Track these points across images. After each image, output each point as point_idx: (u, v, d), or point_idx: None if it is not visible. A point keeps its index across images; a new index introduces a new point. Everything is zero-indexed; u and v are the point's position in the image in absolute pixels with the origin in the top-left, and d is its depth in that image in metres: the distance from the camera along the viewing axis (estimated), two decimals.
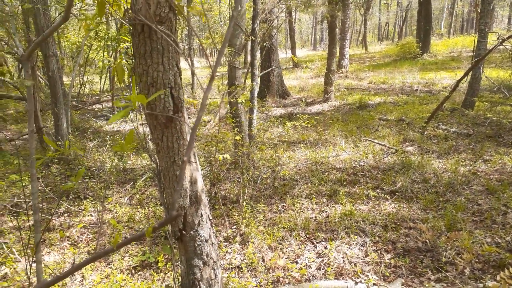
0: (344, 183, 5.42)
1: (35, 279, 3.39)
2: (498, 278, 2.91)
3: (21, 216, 4.81)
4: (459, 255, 3.38)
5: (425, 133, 7.32)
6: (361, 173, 5.72)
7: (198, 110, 10.70)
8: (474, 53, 9.15)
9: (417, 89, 11.76)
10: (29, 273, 2.65)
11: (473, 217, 4.15)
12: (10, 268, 3.79)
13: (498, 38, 6.63)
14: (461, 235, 3.66)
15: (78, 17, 6.89)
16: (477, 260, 3.34)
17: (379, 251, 3.68)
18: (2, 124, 10.39)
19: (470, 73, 8.22)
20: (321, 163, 6.27)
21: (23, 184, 5.24)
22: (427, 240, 3.76)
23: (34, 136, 1.99)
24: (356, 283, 3.12)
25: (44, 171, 6.18)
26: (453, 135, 7.03)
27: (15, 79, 11.74)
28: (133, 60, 2.56)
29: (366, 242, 3.83)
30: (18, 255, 3.86)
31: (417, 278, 3.25)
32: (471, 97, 8.53)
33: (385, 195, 4.89)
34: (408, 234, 3.95)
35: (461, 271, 3.20)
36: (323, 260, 3.59)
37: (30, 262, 2.78)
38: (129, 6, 2.49)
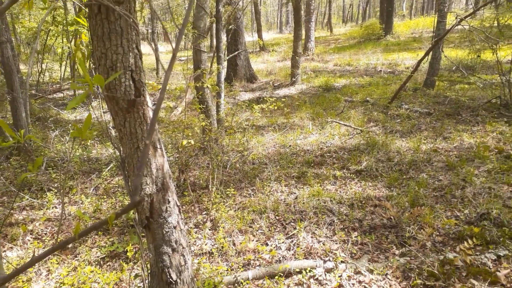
0: (312, 164, 5.50)
1: None
2: (457, 249, 3.06)
3: None
4: (421, 230, 3.53)
5: (388, 113, 7.51)
6: (328, 154, 5.82)
7: (167, 96, 10.56)
8: (434, 34, 9.40)
9: (380, 70, 12.01)
10: None
11: (434, 192, 4.32)
12: None
13: (456, 18, 6.83)
14: (423, 211, 3.81)
15: None
16: (438, 233, 3.50)
17: (346, 230, 3.78)
18: None
19: (431, 53, 8.47)
20: (289, 146, 6.32)
21: None
22: (392, 217, 3.89)
23: None
24: (324, 261, 3.19)
25: (3, 164, 5.90)
26: (415, 114, 7.25)
27: None
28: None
29: (333, 221, 3.92)
30: None
31: (382, 253, 3.37)
32: (431, 77, 8.82)
33: (351, 175, 5.01)
34: (373, 212, 4.07)
35: (423, 245, 3.34)
36: (292, 241, 3.65)
37: None
38: None
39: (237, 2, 11.09)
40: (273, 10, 57.83)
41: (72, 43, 12.45)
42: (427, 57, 8.41)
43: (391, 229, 3.72)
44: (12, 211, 4.56)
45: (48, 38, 12.69)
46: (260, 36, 22.72)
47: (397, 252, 3.35)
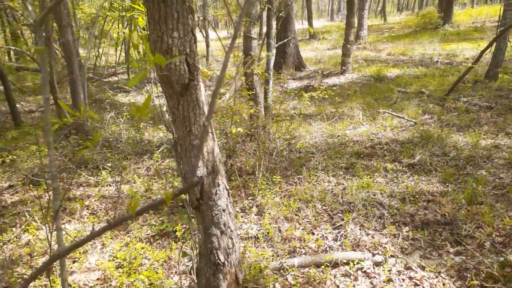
0: (361, 156, 5.34)
1: (56, 246, 3.48)
2: None
3: (41, 186, 4.92)
4: (479, 229, 3.33)
5: (445, 106, 7.12)
6: (379, 146, 5.63)
7: (213, 82, 10.56)
8: (499, 23, 8.73)
9: (437, 61, 11.39)
10: (50, 240, 2.71)
11: (495, 190, 4.06)
12: (33, 235, 3.91)
13: None
14: (482, 209, 3.59)
15: None
16: (498, 233, 3.28)
17: (396, 224, 3.65)
18: (20, 96, 10.52)
19: (495, 43, 7.88)
20: (338, 136, 6.18)
21: (42, 155, 5.33)
22: (446, 213, 3.71)
23: (51, 107, 1.98)
24: (373, 254, 3.11)
25: (62, 142, 6.27)
26: (474, 107, 6.82)
27: (30, 49, 11.79)
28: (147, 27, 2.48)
29: (383, 215, 3.80)
30: (40, 223, 3.97)
31: (435, 250, 3.22)
32: (494, 69, 8.22)
33: (403, 168, 4.81)
34: (426, 207, 3.89)
35: (481, 245, 3.15)
36: (339, 232, 3.58)
37: (51, 230, 2.85)
38: None
39: None
40: None
41: (127, 29, 12.91)
42: (490, 47, 7.84)
43: (445, 226, 3.54)
44: (70, 186, 4.85)
45: (105, 23, 13.23)
46: (310, 24, 22.29)
47: (451, 250, 3.19)
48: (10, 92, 7.48)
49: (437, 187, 4.30)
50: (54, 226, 2.35)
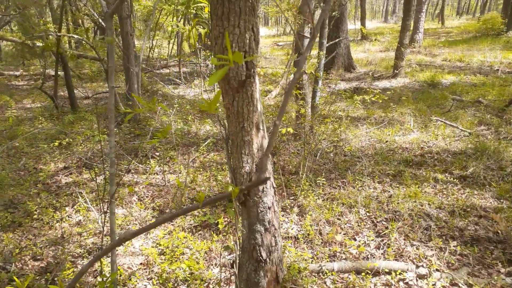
0: (410, 164, 5.17)
1: (106, 228, 3.66)
2: None
3: (94, 169, 5.18)
4: None
5: (504, 117, 6.71)
6: (429, 155, 5.41)
7: (263, 79, 10.57)
8: None
9: (498, 69, 10.74)
10: (102, 222, 2.86)
11: None
12: (84, 216, 4.13)
13: None
14: None
15: None
16: None
17: (444, 237, 3.50)
18: (78, 82, 11.12)
19: None
20: (386, 141, 6.01)
21: (98, 139, 5.61)
22: (500, 231, 3.51)
23: (114, 92, 2.08)
24: (417, 266, 3.00)
25: (115, 129, 6.56)
26: None
27: (91, 40, 12.41)
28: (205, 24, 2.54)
29: (430, 227, 3.66)
30: (91, 205, 4.18)
31: (485, 269, 3.06)
32: None
33: (454, 180, 4.60)
34: (477, 223, 3.70)
35: None
36: (383, 240, 3.49)
37: (102, 212, 2.99)
38: None
39: None
40: None
41: (181, 22, 13.23)
42: None
43: (497, 244, 3.35)
44: (120, 172, 5.07)
45: (160, 16, 13.63)
46: (363, 24, 21.78)
47: (502, 270, 3.01)
48: (69, 78, 7.93)
49: (491, 202, 4.07)
50: (107, 209, 2.47)
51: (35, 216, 4.08)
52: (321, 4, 6.16)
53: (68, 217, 4.14)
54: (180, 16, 13.28)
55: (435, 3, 41.26)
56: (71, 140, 6.09)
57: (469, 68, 11.54)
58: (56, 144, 5.51)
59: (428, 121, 6.80)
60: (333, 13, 9.51)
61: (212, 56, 2.80)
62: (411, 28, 14.84)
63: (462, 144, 5.67)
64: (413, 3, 11.43)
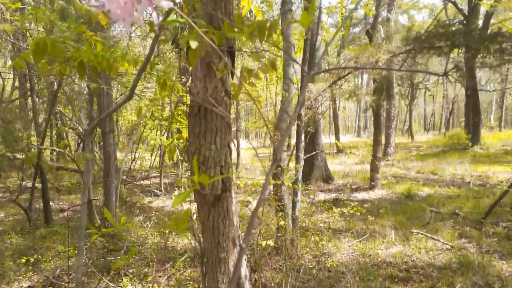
0: (396, 280, 4.96)
1: None
2: None
3: None
4: None
5: (483, 230, 6.75)
6: (414, 270, 5.24)
7: (243, 190, 10.61)
8: None
9: (469, 182, 11.17)
10: None
11: None
12: None
13: None
14: None
15: (140, 96, 7.45)
16: None
17: None
18: (56, 194, 10.90)
19: None
20: (370, 255, 5.85)
21: (67, 256, 5.27)
22: None
23: (86, 208, 2.02)
24: None
25: (88, 244, 6.24)
26: None
27: (73, 152, 12.55)
28: (184, 140, 2.62)
29: None
30: None
31: None
32: None
33: None
34: None
35: None
36: None
37: None
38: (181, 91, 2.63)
39: (317, 107, 11.59)
40: (351, 116, 59.34)
41: (164, 136, 13.72)
42: None
43: None
44: None
45: (144, 130, 14.17)
46: (337, 139, 23.05)
47: None
48: (47, 190, 7.80)
49: None
50: None
51: None
52: (296, 122, 6.56)
53: None
54: (164, 131, 13.83)
55: (403, 120, 44.64)
56: (39, 256, 5.71)
57: (443, 180, 11.98)
58: (23, 261, 5.14)
59: (409, 233, 6.76)
60: (309, 129, 10.10)
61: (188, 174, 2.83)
62: (383, 143, 15.75)
63: (446, 258, 5.56)
64: (382, 120, 12.32)
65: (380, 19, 11.85)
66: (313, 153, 11.97)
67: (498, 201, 7.22)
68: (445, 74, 1.12)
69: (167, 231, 6.97)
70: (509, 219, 7.27)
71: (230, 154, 2.35)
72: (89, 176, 1.89)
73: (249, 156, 22.85)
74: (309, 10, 1.10)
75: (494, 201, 7.29)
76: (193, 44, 1.33)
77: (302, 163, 6.99)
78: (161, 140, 12.31)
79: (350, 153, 20.60)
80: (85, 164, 2.11)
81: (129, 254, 1.18)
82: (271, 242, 4.21)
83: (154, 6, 0.67)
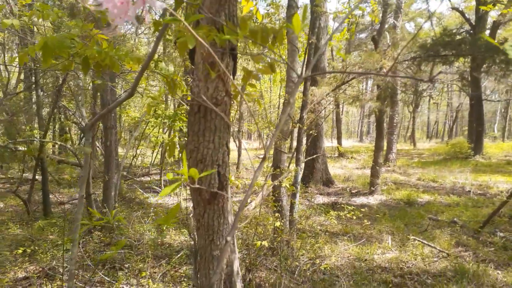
0: (390, 285, 4.97)
1: None
2: None
3: (56, 281, 4.80)
4: None
5: (480, 239, 6.75)
6: (409, 276, 5.25)
7: (242, 190, 10.66)
8: None
9: (469, 191, 11.17)
10: None
11: None
12: None
13: None
14: None
15: (143, 94, 7.50)
16: None
17: None
18: (56, 187, 10.96)
19: None
20: (365, 259, 5.87)
21: (64, 248, 5.32)
22: None
23: (83, 202, 2.05)
24: None
25: (86, 237, 6.28)
26: None
27: (75, 146, 12.63)
28: (186, 138, 2.65)
29: None
30: None
31: None
32: None
33: None
34: None
35: None
36: None
37: None
38: (185, 90, 2.67)
39: (320, 111, 11.62)
40: (354, 120, 59.28)
41: (166, 134, 13.77)
42: None
43: None
44: (81, 285, 4.70)
45: (147, 127, 14.22)
46: (339, 143, 23.07)
47: None
48: (46, 183, 7.84)
49: None
50: None
51: None
52: (298, 125, 6.59)
53: None
54: (166, 128, 13.88)
55: (406, 127, 44.58)
56: (36, 247, 5.76)
57: (443, 188, 11.98)
58: (20, 251, 5.18)
59: (406, 239, 6.77)
60: (310, 132, 10.12)
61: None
62: (385, 148, 15.76)
63: (441, 265, 5.57)
64: (385, 126, 12.32)
65: (386, 26, 11.88)
66: (314, 156, 11.99)
67: (497, 211, 7.22)
68: (430, 80, 1.16)
69: (164, 227, 7.01)
70: (507, 229, 7.27)
71: (228, 154, 2.38)
72: (87, 170, 1.92)
73: (251, 157, 22.88)
74: (302, 15, 1.14)
75: (493, 211, 7.29)
76: (191, 44, 1.36)
77: (302, 165, 7.02)
78: (162, 137, 12.37)
79: (351, 157, 20.61)
80: (84, 157, 2.15)
81: (117, 245, 1.21)
82: (266, 243, 4.24)
83: (148, 6, 0.70)
